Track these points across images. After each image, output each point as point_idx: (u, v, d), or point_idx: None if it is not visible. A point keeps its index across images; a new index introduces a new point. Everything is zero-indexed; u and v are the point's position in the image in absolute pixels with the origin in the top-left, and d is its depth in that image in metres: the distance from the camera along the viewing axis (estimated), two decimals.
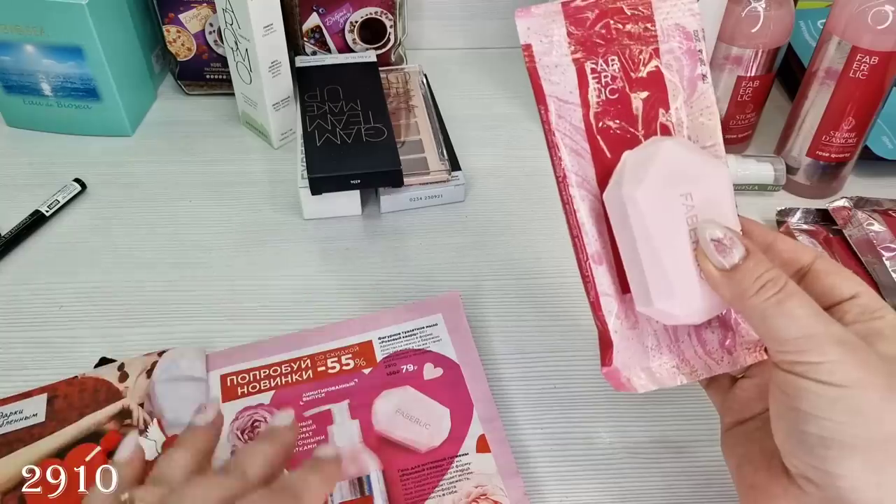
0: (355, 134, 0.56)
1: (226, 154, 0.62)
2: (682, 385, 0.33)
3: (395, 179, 0.54)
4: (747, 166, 0.57)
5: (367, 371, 0.44)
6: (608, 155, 0.32)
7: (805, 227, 0.55)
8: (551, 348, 0.47)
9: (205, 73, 0.67)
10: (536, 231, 0.55)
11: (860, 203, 0.54)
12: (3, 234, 0.53)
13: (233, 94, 0.64)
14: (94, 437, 0.41)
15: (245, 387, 0.44)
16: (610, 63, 0.32)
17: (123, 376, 0.43)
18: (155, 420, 0.41)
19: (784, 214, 0.55)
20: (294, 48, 0.67)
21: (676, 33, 0.32)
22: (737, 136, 0.61)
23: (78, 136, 0.63)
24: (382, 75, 0.64)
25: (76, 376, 0.44)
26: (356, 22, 0.66)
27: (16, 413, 0.42)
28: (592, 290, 0.33)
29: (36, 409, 0.42)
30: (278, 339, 0.46)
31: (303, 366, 0.45)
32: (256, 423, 0.42)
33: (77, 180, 0.57)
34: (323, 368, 0.44)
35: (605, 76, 0.32)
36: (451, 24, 0.74)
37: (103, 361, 0.45)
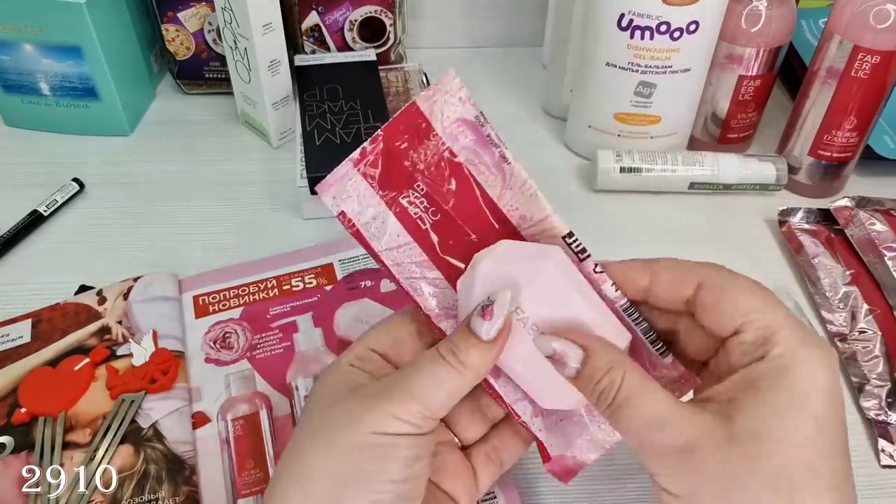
0: (355, 133, 0.55)
1: (225, 153, 0.62)
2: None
3: None
4: (749, 166, 0.57)
5: (328, 288, 0.49)
6: (463, 268, 0.32)
7: (807, 226, 0.55)
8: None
9: (204, 73, 0.66)
10: None
11: (862, 203, 0.54)
12: (1, 234, 0.53)
13: (232, 94, 0.64)
14: (80, 350, 0.44)
15: (216, 305, 0.47)
16: (419, 189, 0.32)
17: (102, 300, 0.47)
18: (150, 331, 0.45)
19: (786, 214, 0.55)
20: (293, 47, 0.66)
21: (460, 129, 0.32)
22: (738, 135, 0.60)
23: (76, 135, 0.62)
24: (382, 74, 0.64)
25: (58, 303, 0.47)
26: (356, 20, 0.65)
27: (2, 337, 0.45)
28: (503, 403, 0.33)
29: (21, 332, 0.45)
30: (246, 264, 0.50)
31: (269, 285, 0.49)
32: (227, 335, 0.46)
33: (75, 180, 0.57)
34: (288, 287, 0.49)
35: (421, 202, 0.32)
36: (451, 23, 0.74)
37: (82, 289, 0.48)
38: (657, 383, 0.28)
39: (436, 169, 0.32)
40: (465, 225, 0.32)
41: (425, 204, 0.32)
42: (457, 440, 0.35)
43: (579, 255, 0.31)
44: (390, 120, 0.31)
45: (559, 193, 0.58)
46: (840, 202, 0.54)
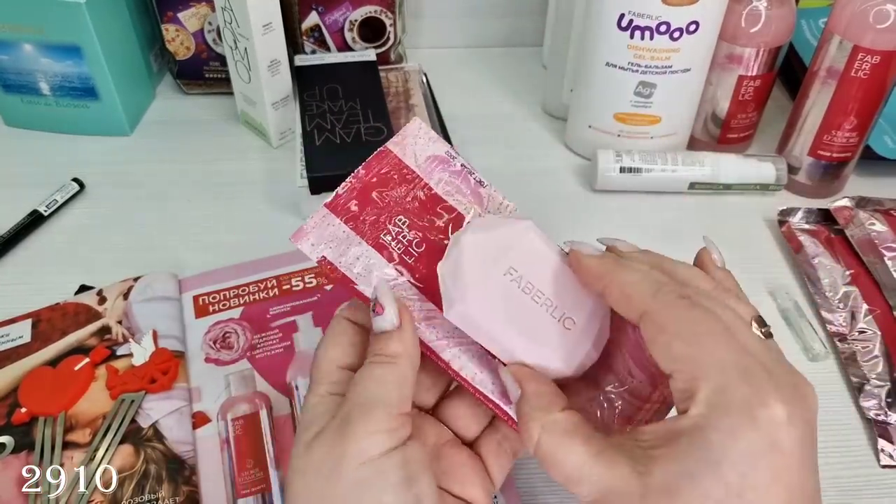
0: (355, 133, 0.55)
1: (225, 153, 0.62)
2: None
3: None
4: (748, 166, 0.57)
5: (328, 288, 0.48)
6: None
7: (807, 226, 0.55)
8: None
9: (204, 72, 0.66)
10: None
11: (862, 203, 0.54)
12: (1, 234, 0.53)
13: (232, 94, 0.64)
14: (80, 350, 0.44)
15: (216, 305, 0.47)
16: (399, 223, 0.32)
17: (102, 300, 0.47)
18: (150, 331, 0.45)
19: (786, 214, 0.55)
20: (293, 47, 0.66)
21: (434, 165, 0.33)
22: (738, 135, 0.60)
23: (76, 135, 0.62)
24: (382, 74, 0.64)
25: (58, 303, 0.47)
26: (356, 20, 0.65)
27: (3, 336, 0.45)
28: (511, 421, 0.31)
29: (21, 332, 0.45)
30: (246, 264, 0.50)
31: (269, 285, 0.49)
32: (227, 335, 0.46)
33: (75, 180, 0.57)
34: (288, 287, 0.48)
35: (403, 236, 0.32)
36: (451, 23, 0.74)
37: (83, 289, 0.48)
38: (581, 432, 0.27)
39: (416, 203, 0.32)
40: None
41: (408, 237, 0.32)
42: (459, 438, 0.34)
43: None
44: (363, 164, 0.32)
45: (559, 193, 0.58)
46: (840, 202, 0.54)
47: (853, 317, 0.48)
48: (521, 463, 0.41)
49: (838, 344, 0.47)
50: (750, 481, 0.23)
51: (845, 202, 0.54)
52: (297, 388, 0.43)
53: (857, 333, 0.47)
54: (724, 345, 0.25)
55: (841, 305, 0.49)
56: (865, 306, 0.48)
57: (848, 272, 0.50)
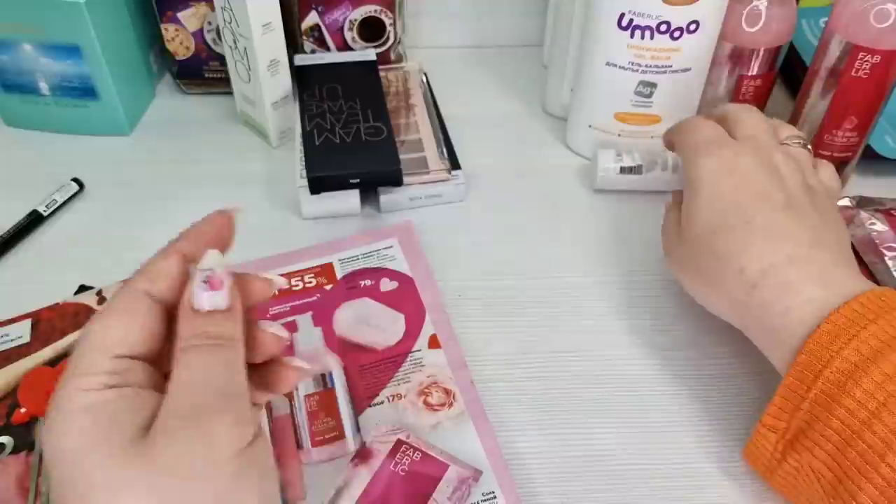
0: (354, 133, 0.55)
1: (224, 153, 0.62)
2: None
3: (394, 179, 0.54)
4: None
5: (328, 287, 0.49)
6: None
7: None
8: (551, 349, 0.47)
9: (203, 72, 0.66)
10: (537, 231, 0.55)
11: (863, 203, 0.54)
12: (0, 234, 0.53)
13: (231, 93, 0.64)
14: None
15: None
16: None
17: (101, 300, 0.47)
18: None
19: None
20: (293, 46, 0.66)
21: None
22: None
23: (76, 135, 0.62)
24: (382, 74, 0.64)
25: (57, 303, 0.47)
26: (355, 20, 0.65)
27: (2, 336, 0.45)
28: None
29: (21, 332, 0.45)
30: (245, 264, 0.49)
31: None
32: None
33: (75, 180, 0.57)
34: (287, 286, 0.49)
35: None
36: (451, 23, 0.74)
37: (82, 289, 0.48)
38: None
39: None
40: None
41: None
42: None
43: None
44: None
45: (559, 193, 0.58)
46: (841, 202, 0.54)
47: None
48: (520, 461, 0.41)
49: None
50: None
51: (846, 202, 0.54)
52: (296, 388, 0.43)
53: None
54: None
55: None
56: None
57: None
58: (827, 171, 0.44)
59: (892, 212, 0.53)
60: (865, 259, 0.51)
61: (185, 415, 0.24)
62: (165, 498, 0.23)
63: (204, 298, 0.26)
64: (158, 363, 0.27)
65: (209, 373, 0.25)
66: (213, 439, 0.24)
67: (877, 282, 0.49)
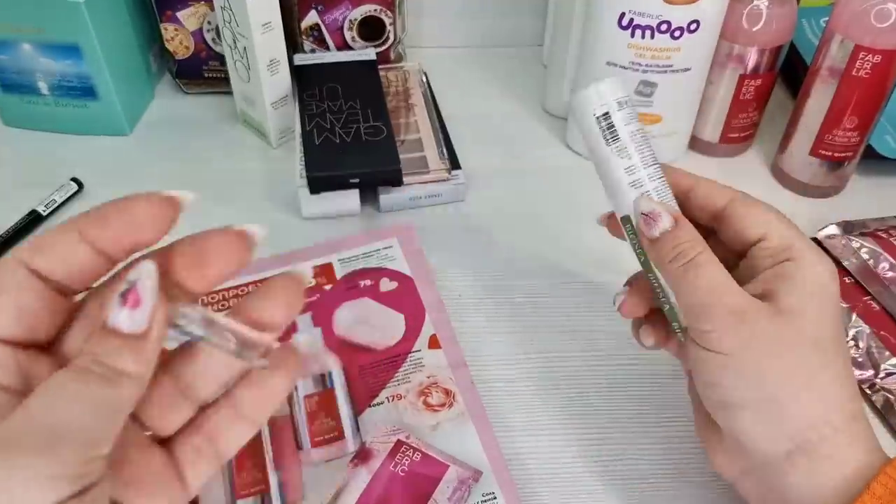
0: (354, 132, 0.55)
1: (224, 153, 0.62)
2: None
3: (394, 178, 0.54)
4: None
5: (328, 287, 0.48)
6: None
7: None
8: (552, 349, 0.47)
9: (203, 72, 0.66)
10: (537, 231, 0.55)
11: (848, 228, 0.53)
12: (0, 234, 0.53)
13: (231, 93, 0.63)
14: None
15: (215, 305, 0.47)
16: None
17: None
18: None
19: None
20: (293, 46, 0.66)
21: None
22: (739, 134, 0.60)
23: (75, 135, 0.62)
24: (382, 73, 0.64)
25: None
26: (355, 19, 0.65)
27: None
28: None
29: None
30: None
31: None
32: None
33: (74, 180, 0.57)
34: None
35: None
36: (451, 23, 0.73)
37: None
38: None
39: None
40: None
41: None
42: (149, 434, 0.25)
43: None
44: None
45: (559, 193, 0.58)
46: (826, 230, 0.53)
47: (870, 357, 0.45)
48: (520, 462, 0.40)
49: (868, 393, 0.44)
50: (838, 303, 0.33)
51: (833, 230, 0.53)
52: (296, 388, 0.43)
53: (884, 375, 0.45)
54: (786, 217, 0.34)
55: (856, 348, 0.46)
56: (886, 352, 0.46)
57: (845, 306, 0.48)
58: None
59: (878, 232, 0.52)
60: (871, 290, 0.49)
61: (2, 439, 0.19)
62: None
63: (114, 314, 0.21)
64: (60, 356, 0.23)
65: (72, 406, 0.20)
66: (9, 483, 0.19)
67: (887, 312, 0.48)
